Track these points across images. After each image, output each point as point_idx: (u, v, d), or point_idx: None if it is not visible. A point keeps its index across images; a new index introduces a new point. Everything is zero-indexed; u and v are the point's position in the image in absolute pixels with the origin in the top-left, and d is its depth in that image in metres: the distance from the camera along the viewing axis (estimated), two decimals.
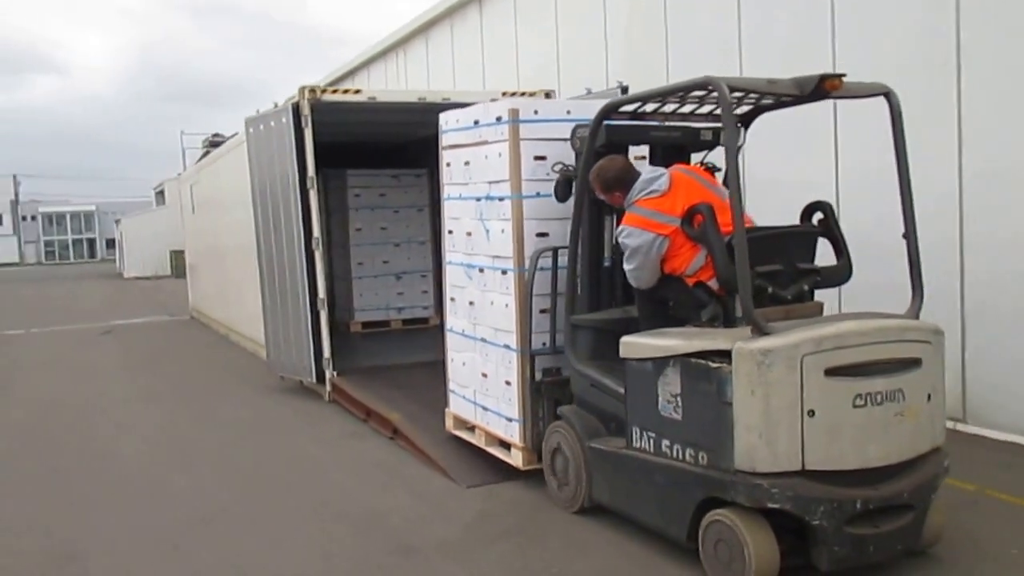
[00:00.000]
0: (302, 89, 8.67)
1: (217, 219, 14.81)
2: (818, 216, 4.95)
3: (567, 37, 11.45)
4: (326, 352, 8.89)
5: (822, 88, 4.41)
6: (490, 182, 5.99)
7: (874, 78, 4.83)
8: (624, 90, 8.33)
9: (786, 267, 4.61)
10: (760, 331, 4.11)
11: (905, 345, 4.29)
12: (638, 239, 4.82)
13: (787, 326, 4.21)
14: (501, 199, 5.85)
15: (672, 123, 5.50)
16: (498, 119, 5.86)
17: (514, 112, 5.72)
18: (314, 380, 9.02)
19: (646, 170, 5.15)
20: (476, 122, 6.16)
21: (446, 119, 6.57)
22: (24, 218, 79.65)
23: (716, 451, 4.22)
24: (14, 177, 79.37)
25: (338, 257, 12.95)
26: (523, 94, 9.34)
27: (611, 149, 5.29)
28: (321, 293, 8.95)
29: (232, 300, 13.95)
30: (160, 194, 47.13)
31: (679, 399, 4.43)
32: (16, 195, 79.23)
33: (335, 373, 8.93)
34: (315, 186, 8.89)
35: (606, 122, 5.20)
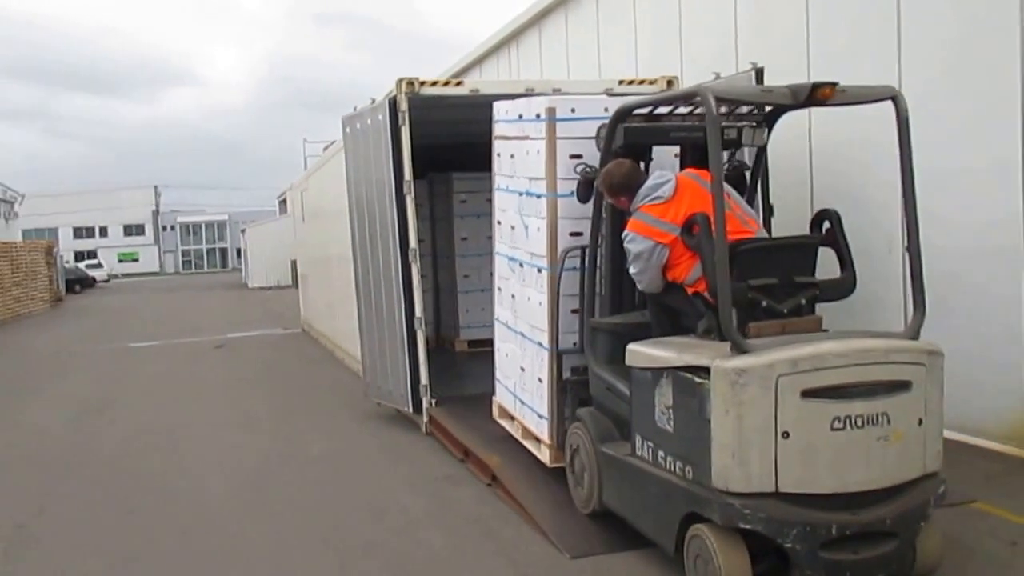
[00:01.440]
0: (399, 82, 7.77)
1: (323, 228, 14.24)
2: (826, 226, 4.81)
3: (691, 17, 10.24)
4: (423, 379, 7.98)
5: (816, 97, 4.34)
6: (530, 178, 6.01)
7: None
8: (759, 72, 7.13)
9: (782, 280, 4.48)
10: (738, 348, 4.03)
11: (891, 367, 4.13)
12: (640, 245, 4.78)
13: (768, 344, 4.10)
14: (538, 196, 5.86)
15: (693, 123, 5.28)
16: (537, 116, 5.82)
17: (551, 111, 5.67)
18: (411, 410, 8.13)
19: (653, 175, 5.03)
20: (520, 116, 6.15)
21: (498, 109, 6.62)
22: (164, 228, 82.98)
23: (698, 467, 4.17)
24: (155, 188, 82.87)
25: (443, 269, 12.09)
26: (642, 82, 8.25)
27: (630, 150, 5.22)
28: (418, 311, 8.01)
29: (338, 314, 13.31)
30: (283, 203, 47.84)
31: (671, 411, 4.38)
32: (157, 206, 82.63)
33: (433, 402, 8.02)
34: (412, 191, 7.97)
35: (622, 125, 5.18)
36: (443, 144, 10.06)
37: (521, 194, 6.15)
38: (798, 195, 7.98)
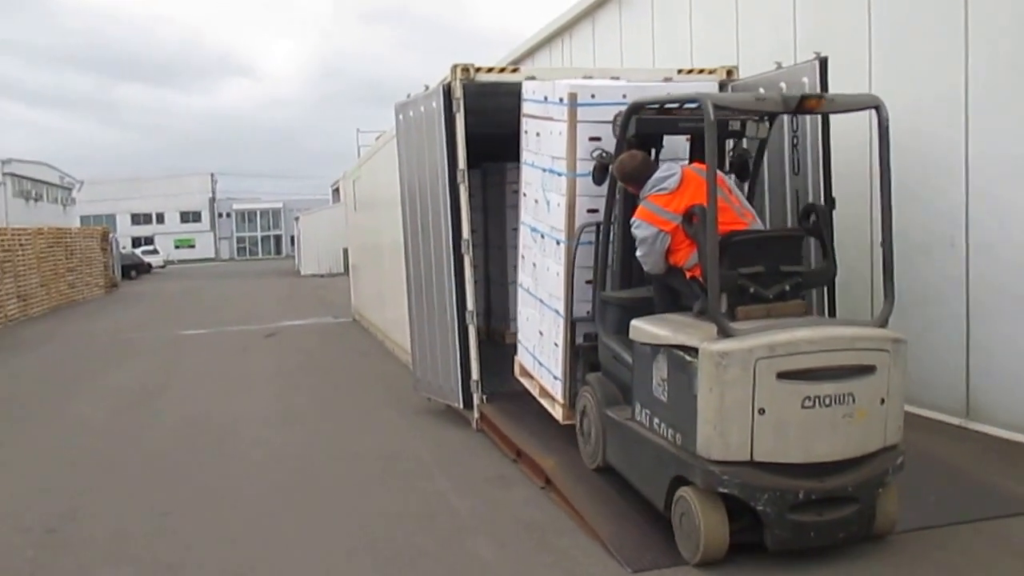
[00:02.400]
0: (454, 68, 7.58)
1: (374, 216, 14.16)
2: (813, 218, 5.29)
3: (748, 6, 9.92)
4: (474, 374, 7.82)
5: (805, 106, 4.74)
6: (553, 157, 6.38)
7: None
8: (823, 62, 6.81)
9: (769, 269, 4.87)
10: (724, 332, 4.46)
11: (857, 353, 4.53)
12: (645, 231, 5.27)
13: (751, 328, 4.53)
14: (560, 174, 6.27)
15: (701, 116, 5.37)
16: (560, 100, 6.19)
17: (573, 96, 6.05)
18: (461, 406, 7.98)
19: (662, 167, 5.49)
20: (545, 98, 6.53)
21: (526, 88, 6.99)
22: (220, 215, 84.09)
23: (686, 436, 4.62)
24: (211, 176, 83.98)
25: (495, 260, 11.94)
26: (701, 71, 7.99)
27: (643, 139, 5.73)
28: (470, 304, 7.82)
29: (388, 304, 13.23)
30: (336, 192, 48.14)
31: (666, 384, 4.85)
32: (213, 193, 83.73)
33: (484, 398, 7.85)
34: (466, 180, 7.77)
35: (636, 116, 5.63)
36: (497, 134, 9.86)
37: (544, 171, 6.58)
38: (858, 190, 7.70)
